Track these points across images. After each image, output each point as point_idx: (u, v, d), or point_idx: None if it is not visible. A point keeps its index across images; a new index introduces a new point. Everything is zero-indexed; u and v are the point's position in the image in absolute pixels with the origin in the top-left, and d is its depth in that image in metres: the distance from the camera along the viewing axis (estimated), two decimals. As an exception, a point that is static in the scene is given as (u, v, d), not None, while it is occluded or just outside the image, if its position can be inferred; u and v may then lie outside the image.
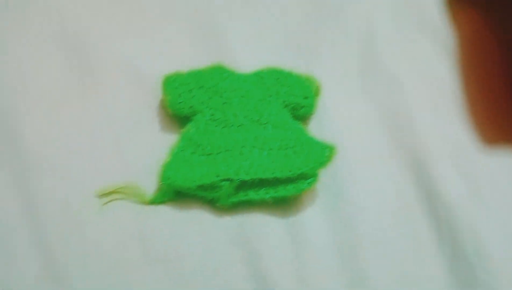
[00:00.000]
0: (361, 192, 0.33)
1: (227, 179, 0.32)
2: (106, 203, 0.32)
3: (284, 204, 0.33)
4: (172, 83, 0.35)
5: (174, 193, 0.32)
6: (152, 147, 0.34)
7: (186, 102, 0.35)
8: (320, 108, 0.36)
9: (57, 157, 0.33)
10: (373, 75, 0.38)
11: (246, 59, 0.37)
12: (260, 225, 0.32)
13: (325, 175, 0.33)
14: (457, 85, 0.38)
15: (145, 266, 0.30)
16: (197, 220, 0.32)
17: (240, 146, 0.33)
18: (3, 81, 0.35)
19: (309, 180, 0.32)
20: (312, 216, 0.33)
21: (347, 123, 0.36)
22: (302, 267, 0.31)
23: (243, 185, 0.32)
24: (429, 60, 0.38)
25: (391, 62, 0.38)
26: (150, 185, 0.33)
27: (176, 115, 0.35)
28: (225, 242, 0.32)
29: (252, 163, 0.32)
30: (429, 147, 0.35)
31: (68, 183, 0.33)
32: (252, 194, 0.32)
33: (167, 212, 0.32)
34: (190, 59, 0.36)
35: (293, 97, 0.35)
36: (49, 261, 0.30)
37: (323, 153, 0.32)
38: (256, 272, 0.31)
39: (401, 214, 0.33)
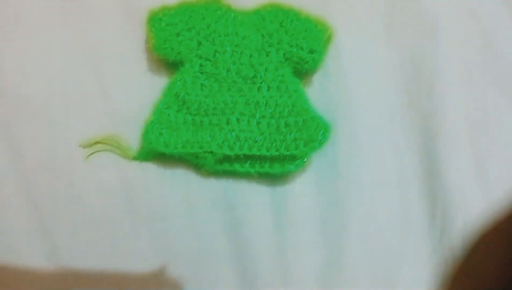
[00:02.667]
0: (360, 166, 0.31)
1: (211, 152, 0.29)
2: (91, 154, 0.31)
3: (271, 176, 0.31)
4: (157, 22, 0.30)
5: (158, 153, 0.31)
6: (139, 90, 0.32)
7: (173, 47, 0.30)
8: (329, 56, 0.31)
9: (39, 99, 0.31)
10: (400, 18, 0.31)
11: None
12: (245, 192, 0.31)
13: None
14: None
15: (129, 224, 0.31)
16: (181, 181, 0.31)
17: (229, 113, 0.30)
18: None
19: (296, 162, 0.29)
20: (300, 189, 0.31)
21: (356, 79, 0.31)
22: (282, 240, 0.31)
23: (228, 157, 0.30)
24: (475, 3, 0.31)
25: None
26: (136, 134, 0.32)
27: (163, 60, 0.31)
28: (208, 206, 0.31)
29: (238, 135, 0.30)
30: (446, 119, 0.30)
31: (52, 130, 0.31)
32: (237, 166, 0.30)
33: (152, 170, 0.31)
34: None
35: (297, 49, 0.30)
36: (36, 214, 0.31)
37: (316, 135, 0.29)
38: (236, 241, 0.31)
39: (397, 193, 0.31)
